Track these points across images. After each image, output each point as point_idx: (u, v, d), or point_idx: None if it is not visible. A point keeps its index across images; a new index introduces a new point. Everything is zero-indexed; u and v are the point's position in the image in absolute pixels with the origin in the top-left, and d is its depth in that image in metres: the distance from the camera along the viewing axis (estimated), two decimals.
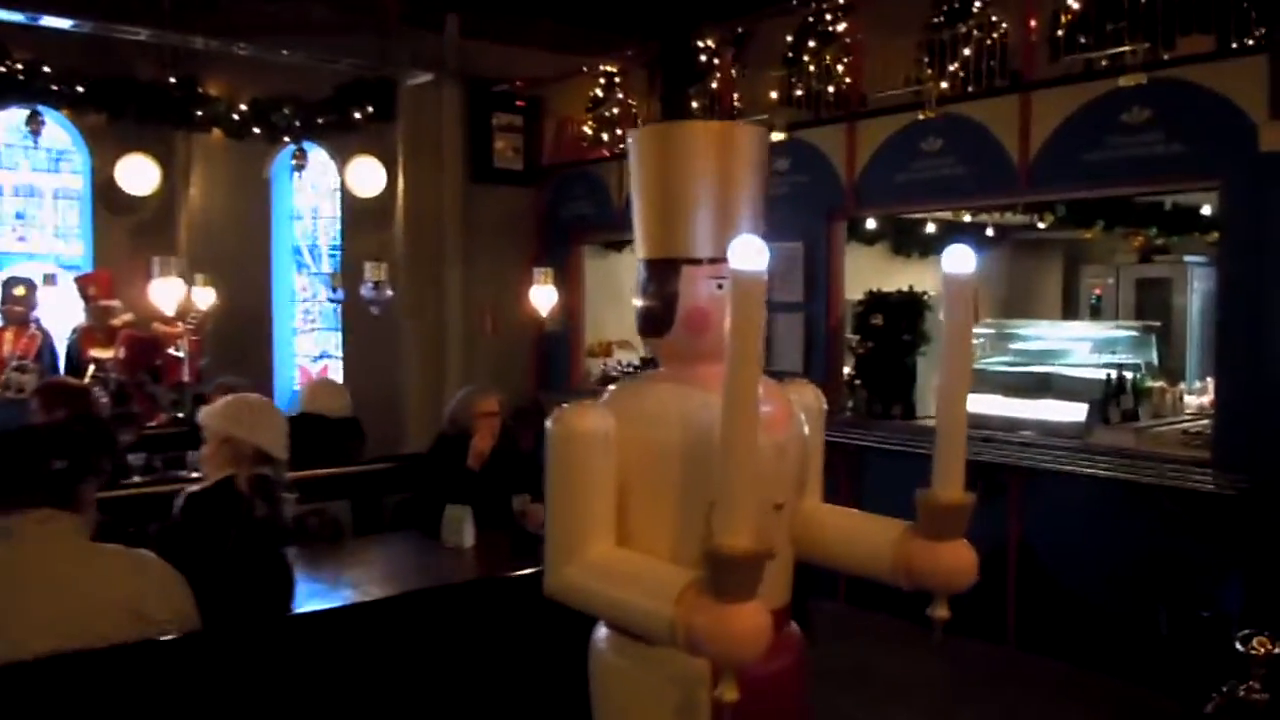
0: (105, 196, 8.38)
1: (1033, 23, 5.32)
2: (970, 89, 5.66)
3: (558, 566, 1.66)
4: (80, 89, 7.93)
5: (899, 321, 6.09)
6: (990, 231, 8.87)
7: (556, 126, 8.74)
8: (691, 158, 1.73)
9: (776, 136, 6.47)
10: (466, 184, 8.32)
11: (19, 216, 8.55)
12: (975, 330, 6.35)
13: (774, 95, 6.70)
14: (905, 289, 6.17)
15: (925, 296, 6.05)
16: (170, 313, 7.22)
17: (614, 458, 1.66)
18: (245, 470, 2.96)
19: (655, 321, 1.75)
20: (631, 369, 8.28)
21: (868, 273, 6.98)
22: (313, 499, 3.88)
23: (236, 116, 8.26)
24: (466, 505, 3.98)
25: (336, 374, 8.63)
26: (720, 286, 1.73)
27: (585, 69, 8.29)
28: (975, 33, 5.51)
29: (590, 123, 8.44)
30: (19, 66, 7.64)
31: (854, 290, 6.48)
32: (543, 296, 7.62)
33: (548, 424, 1.65)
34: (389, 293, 7.51)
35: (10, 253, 8.45)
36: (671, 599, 1.46)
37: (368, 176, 8.23)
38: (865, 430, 5.94)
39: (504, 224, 8.51)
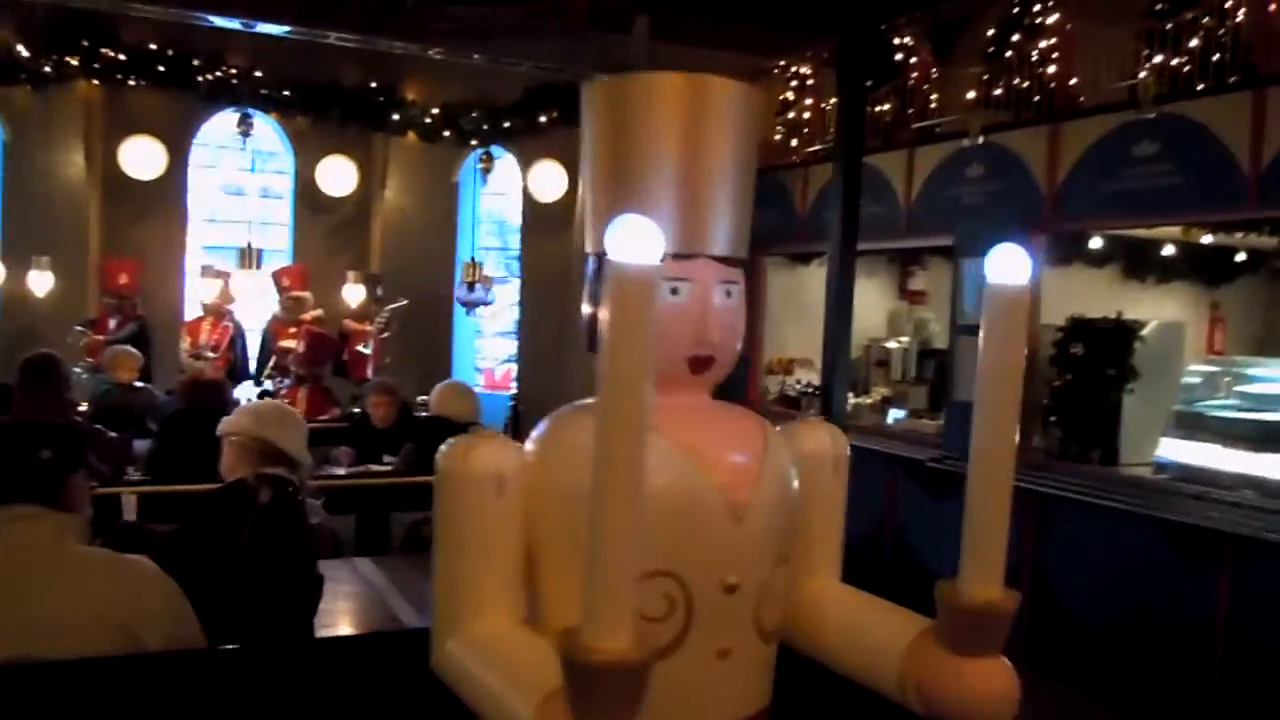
0: (306, 196, 8.70)
1: (1272, 7, 4.45)
2: (1198, 85, 4.81)
3: (439, 641, 1.29)
4: (288, 93, 8.26)
5: (1103, 352, 5.30)
6: (1242, 256, 7.69)
7: None
8: (646, 121, 1.31)
9: (971, 141, 5.82)
10: None
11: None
12: (1195, 368, 5.45)
13: (971, 95, 6.03)
14: (1114, 315, 5.37)
15: (1135, 325, 5.23)
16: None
17: (517, 506, 1.27)
18: (262, 468, 2.78)
19: (593, 336, 1.35)
20: (812, 389, 7.77)
21: (1090, 297, 6.14)
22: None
23: (429, 120, 8.38)
24: None
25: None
26: (675, 292, 1.31)
27: (775, 70, 7.86)
28: (1204, 20, 4.67)
29: (779, 128, 8.00)
30: (233, 71, 8.04)
31: (1055, 315, 5.71)
32: None
33: (436, 458, 1.29)
34: (489, 296, 7.36)
35: (218, 246, 8.94)
36: (535, 705, 1.07)
37: (549, 181, 8.15)
38: (1054, 476, 5.18)
39: None
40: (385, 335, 7.88)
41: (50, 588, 2.09)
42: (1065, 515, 5.06)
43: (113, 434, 4.35)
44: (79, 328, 7.29)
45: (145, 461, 4.59)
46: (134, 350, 6.14)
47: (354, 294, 8.13)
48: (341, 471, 4.91)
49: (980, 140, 5.71)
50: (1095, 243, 6.62)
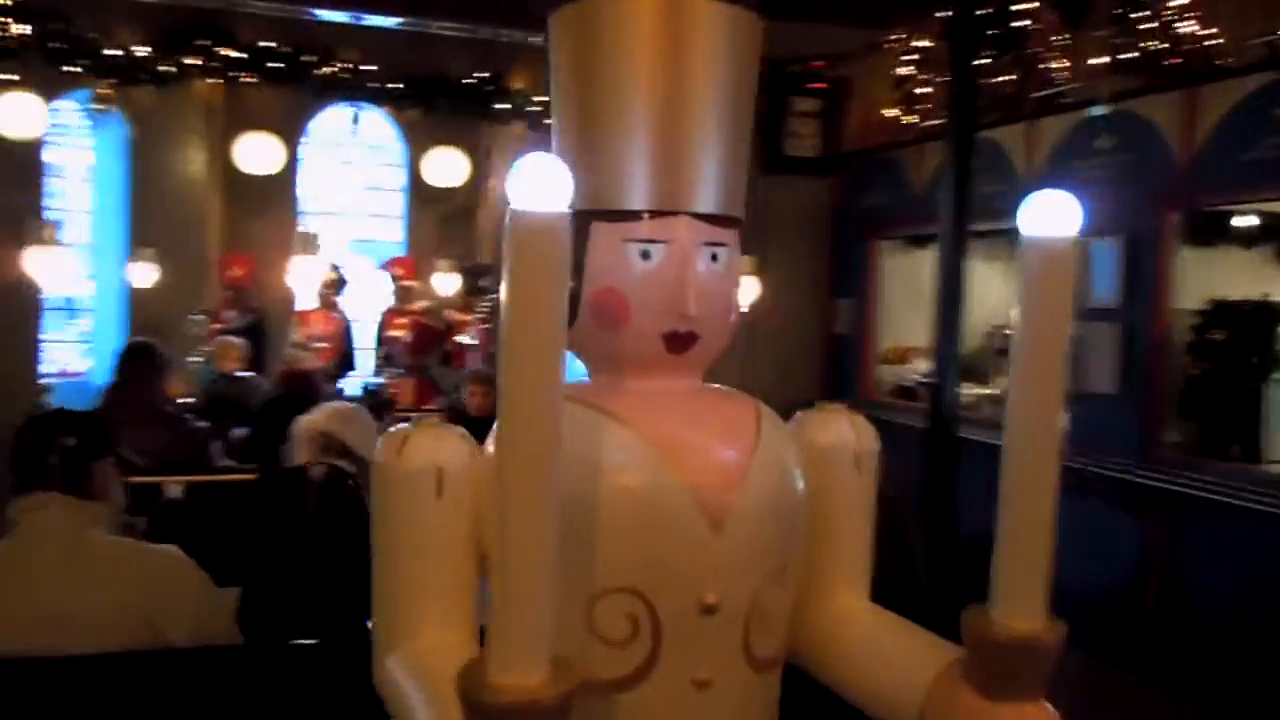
0: (417, 188, 8.76)
1: None
2: None
3: (379, 655, 1.13)
4: (397, 86, 8.31)
5: (1246, 338, 4.80)
6: None
7: (861, 109, 7.99)
8: (614, 51, 1.12)
9: (1100, 110, 5.38)
10: (754, 174, 7.78)
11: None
12: None
13: (1098, 61, 5.55)
14: (1260, 297, 4.86)
15: None
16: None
17: (463, 507, 1.10)
18: (323, 459, 2.69)
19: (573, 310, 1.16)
20: (930, 380, 7.39)
21: (1238, 281, 5.57)
22: None
23: (532, 108, 8.30)
24: None
25: None
26: (646, 255, 1.11)
27: (890, 44, 7.47)
28: None
29: (897, 104, 7.60)
30: (344, 66, 8.13)
31: (1194, 299, 5.22)
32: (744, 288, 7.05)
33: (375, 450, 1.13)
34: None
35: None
36: None
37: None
38: (1189, 473, 4.73)
39: (794, 217, 7.92)
40: (488, 326, 7.86)
41: (72, 578, 2.03)
42: (1201, 516, 4.61)
43: (202, 422, 4.39)
44: (196, 318, 7.50)
45: (240, 449, 4.63)
46: (238, 340, 6.26)
47: (447, 284, 8.13)
48: None
49: (1108, 109, 5.25)
50: (1244, 220, 6.04)
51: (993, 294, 7.56)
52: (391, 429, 1.12)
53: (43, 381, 7.21)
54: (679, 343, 1.11)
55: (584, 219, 1.11)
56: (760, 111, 6.69)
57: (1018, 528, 0.99)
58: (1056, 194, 0.98)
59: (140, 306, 7.78)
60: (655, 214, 1.11)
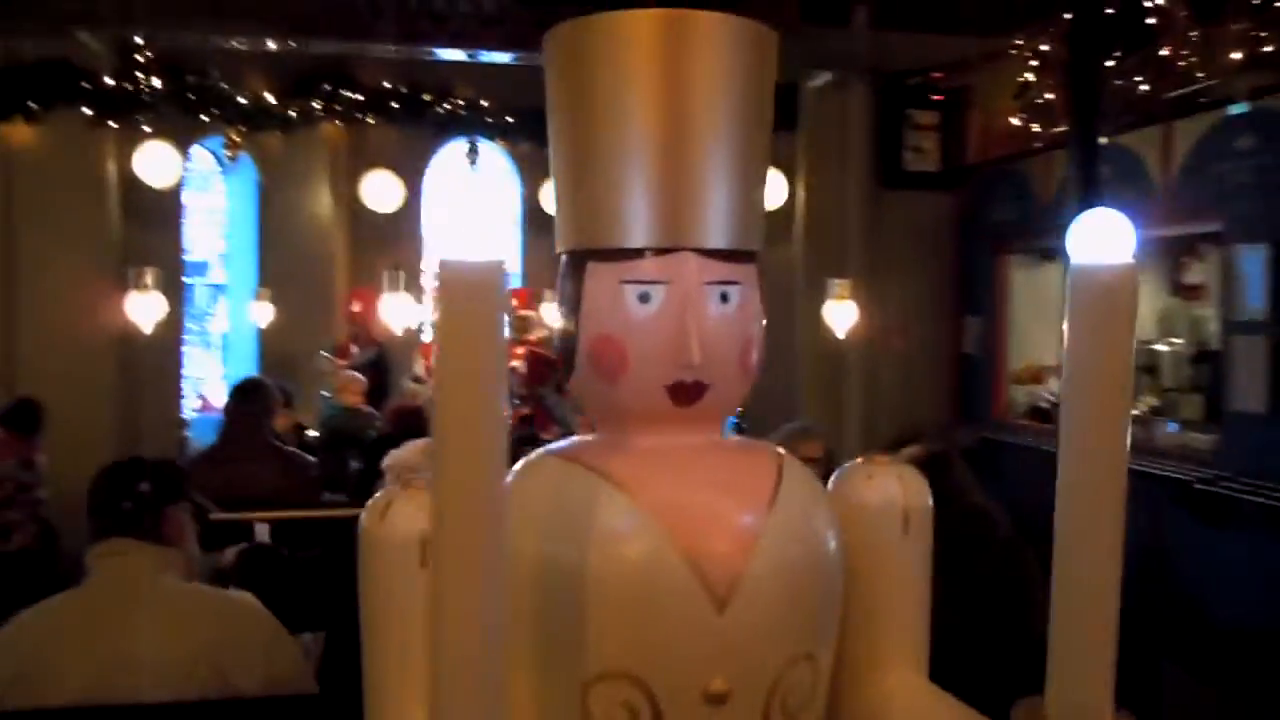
0: (533, 218, 8.85)
1: None
2: None
3: None
4: (511, 119, 8.42)
5: None
6: None
7: (983, 120, 7.67)
8: (611, 73, 1.02)
9: (1239, 108, 4.99)
10: (873, 190, 7.60)
11: None
12: None
13: (1236, 56, 5.15)
14: None
15: None
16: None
17: None
18: None
19: (564, 357, 1.06)
20: None
21: None
22: None
23: None
24: None
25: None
26: (645, 299, 1.00)
27: (1013, 48, 7.15)
28: None
29: (1019, 113, 7.26)
30: (460, 103, 8.28)
31: None
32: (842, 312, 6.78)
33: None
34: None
35: None
36: None
37: (769, 188, 7.81)
38: None
39: (916, 233, 7.65)
40: None
41: (144, 625, 2.03)
42: None
43: (311, 458, 4.46)
44: (323, 355, 7.73)
45: (353, 485, 4.70)
46: (358, 375, 6.40)
47: (551, 313, 8.17)
48: None
49: (1248, 106, 4.86)
50: None
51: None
52: (381, 493, 1.04)
53: (184, 417, 7.54)
54: (685, 395, 1.00)
55: (580, 259, 1.02)
56: (877, 126, 6.54)
57: (1074, 601, 0.84)
58: (1107, 214, 0.83)
59: (270, 342, 8.07)
60: (657, 251, 1.00)
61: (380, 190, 8.37)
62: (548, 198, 7.80)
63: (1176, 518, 5.16)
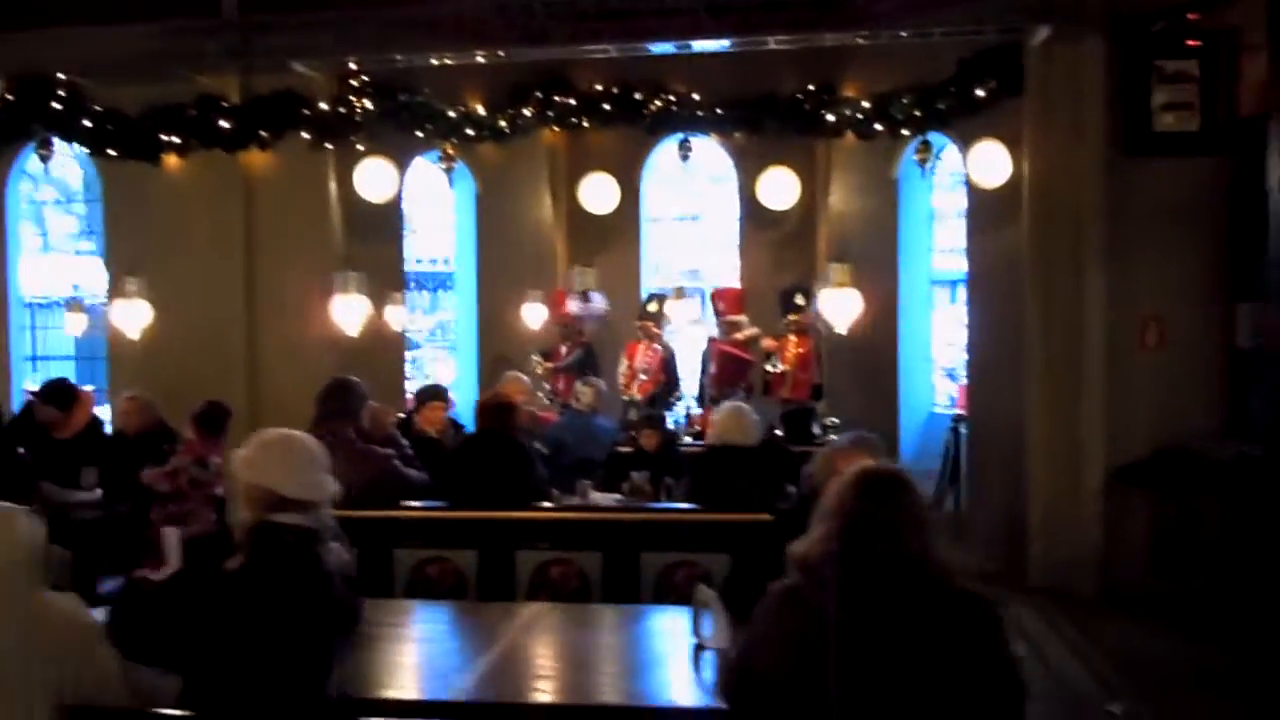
0: (751, 212, 8.51)
1: None
2: None
3: None
4: (725, 111, 8.15)
5: None
6: None
7: (1258, 64, 6.25)
8: None
9: None
10: (1114, 158, 6.46)
11: None
12: None
13: None
14: None
15: None
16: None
17: None
18: (257, 515, 2.54)
19: None
20: None
21: None
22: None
23: (860, 115, 7.66)
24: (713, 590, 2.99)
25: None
26: None
27: None
28: None
29: None
30: (672, 99, 8.13)
31: None
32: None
33: None
34: (600, 305, 6.35)
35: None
36: None
37: (991, 164, 6.93)
38: None
39: (1171, 206, 6.41)
40: (802, 351, 7.34)
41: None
42: None
43: (385, 451, 4.50)
44: (535, 357, 7.90)
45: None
46: (523, 376, 6.45)
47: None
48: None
49: None
50: None
51: None
52: None
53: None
54: None
55: None
56: (1116, 83, 5.53)
57: None
58: None
59: (491, 342, 8.40)
60: None
61: (597, 192, 8.46)
62: (765, 187, 7.51)
63: None
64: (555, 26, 6.76)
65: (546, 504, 4.33)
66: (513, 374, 6.61)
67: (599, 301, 6.44)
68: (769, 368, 7.35)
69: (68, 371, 8.67)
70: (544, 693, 2.77)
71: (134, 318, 7.47)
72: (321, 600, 2.53)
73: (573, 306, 7.04)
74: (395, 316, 7.78)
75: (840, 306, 6.86)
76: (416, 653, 3.07)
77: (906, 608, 2.15)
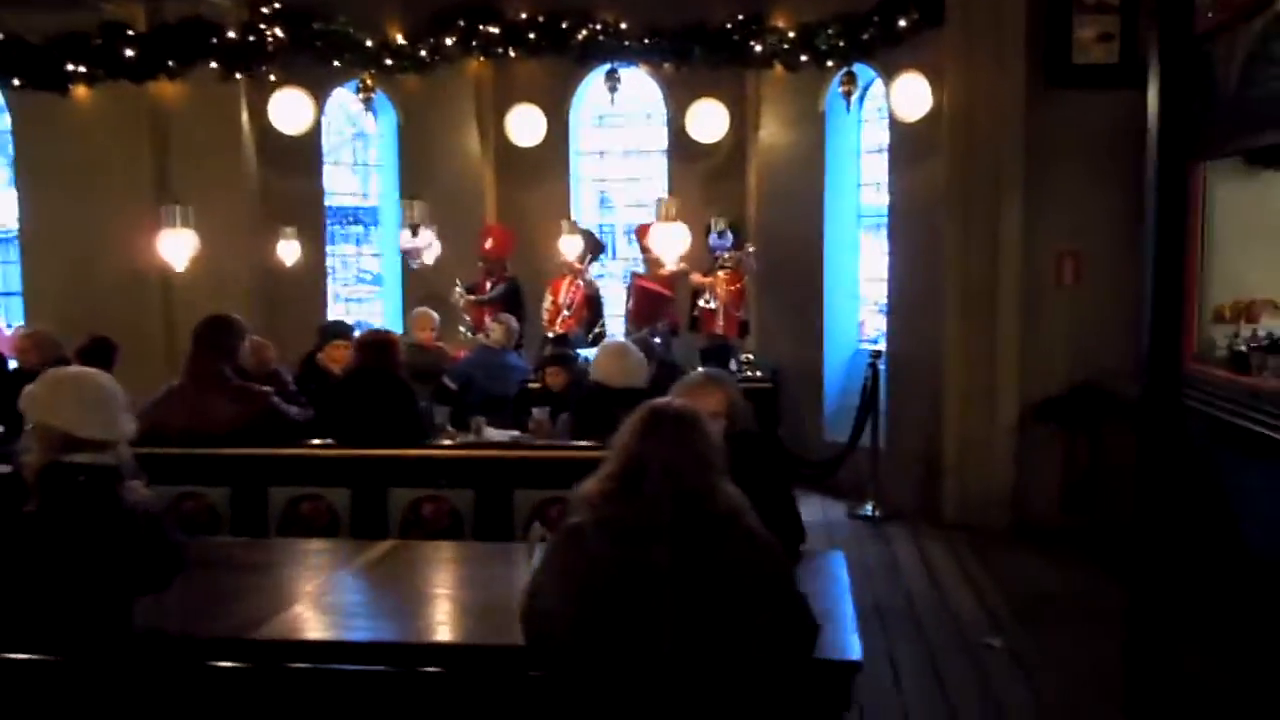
0: (681, 146, 8.37)
1: None
2: None
3: None
4: (654, 40, 7.96)
5: None
6: None
7: None
8: None
9: None
10: (1035, 91, 6.37)
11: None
12: None
13: None
14: None
15: None
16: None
17: None
18: (49, 456, 2.47)
19: None
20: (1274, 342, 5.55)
21: None
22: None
23: (786, 45, 7.50)
24: None
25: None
26: None
27: None
28: None
29: None
30: (598, 28, 7.94)
31: None
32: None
33: None
34: (429, 241, 6.22)
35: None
36: None
37: (912, 96, 6.81)
38: None
39: (1088, 140, 6.34)
40: (734, 288, 7.27)
41: None
42: None
43: (263, 388, 4.42)
44: (458, 289, 7.81)
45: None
46: (430, 311, 6.38)
47: (569, 246, 7.67)
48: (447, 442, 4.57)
49: None
50: None
51: None
52: None
53: None
54: None
55: None
56: (1039, 12, 5.40)
57: None
58: None
59: (418, 278, 8.28)
60: None
61: (524, 125, 8.27)
62: (694, 120, 7.26)
63: None
64: None
65: (422, 442, 4.27)
66: (421, 310, 6.53)
67: (426, 238, 6.20)
68: (702, 303, 7.28)
69: None
70: (363, 630, 2.75)
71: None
72: (122, 538, 2.49)
73: (403, 242, 6.70)
74: (288, 251, 7.48)
75: (667, 241, 6.73)
76: (239, 586, 3.02)
77: (684, 547, 2.12)
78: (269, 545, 3.74)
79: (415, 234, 7.02)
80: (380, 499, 4.03)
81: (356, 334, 5.54)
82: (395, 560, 3.32)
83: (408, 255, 6.90)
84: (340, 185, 8.83)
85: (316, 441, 4.30)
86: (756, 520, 2.24)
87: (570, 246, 7.29)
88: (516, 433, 5.08)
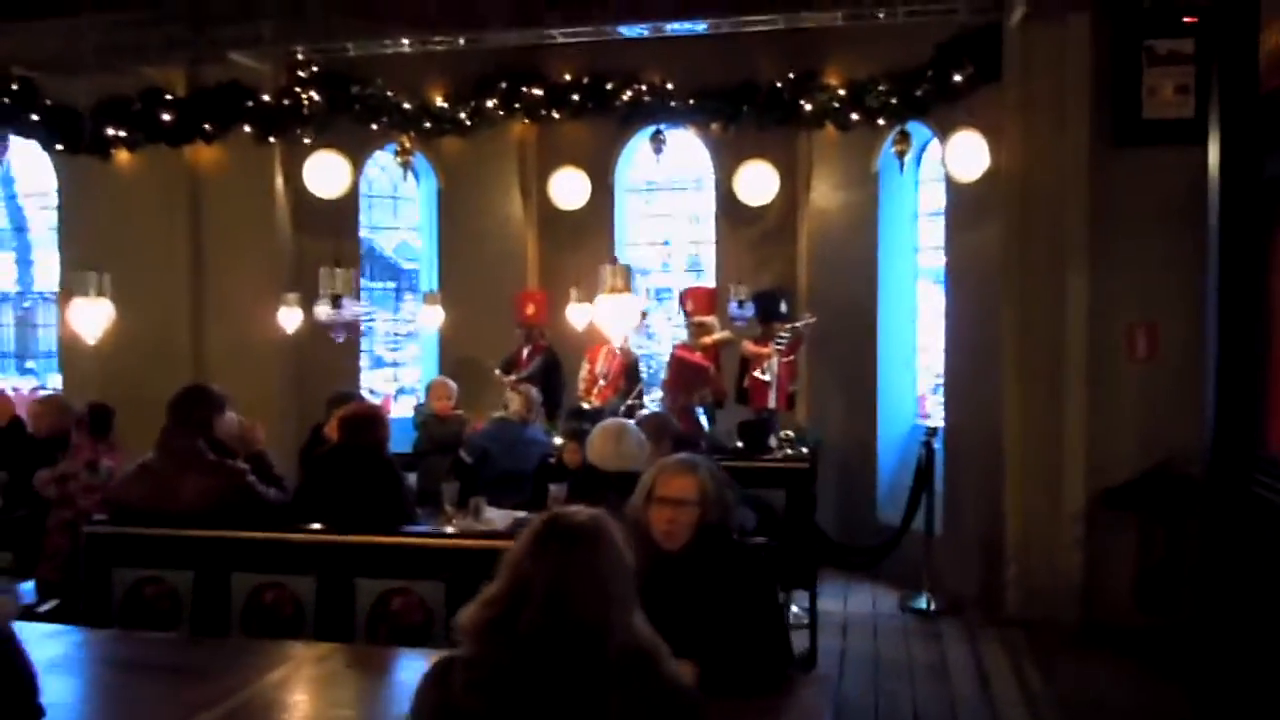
0: (728, 209, 8.03)
1: None
2: None
3: None
4: (700, 100, 7.69)
5: None
6: None
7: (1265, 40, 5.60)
8: None
9: None
10: (1102, 149, 5.87)
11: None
12: None
13: None
14: None
15: None
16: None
17: None
18: None
19: None
20: None
21: None
22: None
23: (837, 104, 7.14)
24: None
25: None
26: None
27: None
28: None
29: None
30: (643, 89, 7.70)
31: None
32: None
33: None
34: (354, 310, 5.43)
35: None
36: None
37: (968, 155, 6.37)
38: None
39: (1162, 201, 5.79)
40: (789, 359, 6.82)
41: None
42: None
43: (240, 466, 4.15)
44: (496, 372, 7.42)
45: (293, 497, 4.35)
46: (448, 380, 6.10)
47: (742, 313, 7.27)
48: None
49: None
50: None
51: None
52: None
53: None
54: None
55: None
56: (1104, 67, 4.93)
57: None
58: None
59: (453, 345, 8.05)
60: None
61: (568, 188, 8.05)
62: (743, 182, 6.77)
63: None
64: (495, 11, 6.38)
65: (395, 528, 3.93)
66: (438, 378, 6.26)
67: (350, 308, 5.75)
68: (758, 374, 6.83)
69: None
70: None
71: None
72: None
73: (319, 313, 5.81)
74: (288, 318, 7.01)
75: (616, 313, 5.71)
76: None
77: (569, 703, 1.71)
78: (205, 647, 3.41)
79: (336, 305, 5.90)
80: (348, 589, 3.69)
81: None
82: (328, 668, 2.96)
83: (329, 331, 5.98)
84: (383, 245, 8.72)
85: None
86: (673, 668, 1.82)
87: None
88: (523, 514, 4.70)
